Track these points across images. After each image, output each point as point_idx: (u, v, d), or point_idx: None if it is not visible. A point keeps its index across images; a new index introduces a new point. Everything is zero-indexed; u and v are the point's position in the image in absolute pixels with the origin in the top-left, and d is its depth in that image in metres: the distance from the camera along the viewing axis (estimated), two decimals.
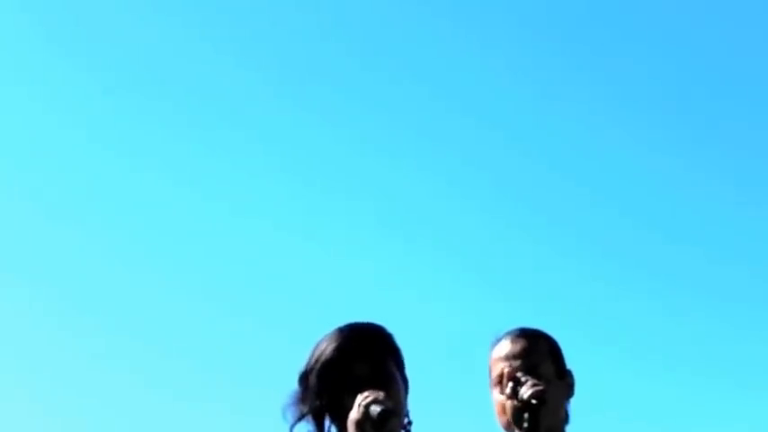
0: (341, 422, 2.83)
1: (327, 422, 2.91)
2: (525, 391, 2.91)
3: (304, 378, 2.92)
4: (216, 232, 9.37)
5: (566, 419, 3.17)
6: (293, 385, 2.94)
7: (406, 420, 2.90)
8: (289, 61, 9.29)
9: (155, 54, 9.25)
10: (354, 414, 2.72)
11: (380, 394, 2.74)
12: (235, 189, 9.38)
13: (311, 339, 2.98)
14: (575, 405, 3.19)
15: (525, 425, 2.89)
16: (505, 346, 3.16)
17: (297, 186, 9.35)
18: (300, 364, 2.94)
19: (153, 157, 9.31)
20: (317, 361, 2.90)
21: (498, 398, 3.07)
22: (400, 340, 2.99)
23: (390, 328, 2.99)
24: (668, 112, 9.49)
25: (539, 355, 3.13)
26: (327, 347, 2.90)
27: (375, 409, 2.71)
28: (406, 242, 9.24)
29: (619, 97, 9.42)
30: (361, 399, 2.73)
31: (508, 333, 3.20)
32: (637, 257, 9.13)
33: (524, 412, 2.90)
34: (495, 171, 9.36)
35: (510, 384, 2.96)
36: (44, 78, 9.20)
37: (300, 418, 2.91)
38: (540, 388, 2.91)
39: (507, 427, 3.07)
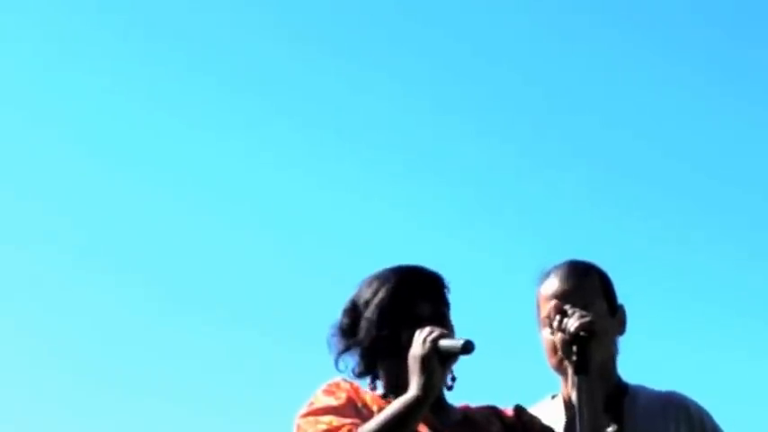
0: (392, 356, 2.83)
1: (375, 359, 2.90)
2: (573, 323, 2.82)
3: (352, 309, 2.91)
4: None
5: (615, 355, 3.11)
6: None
7: (450, 376, 2.90)
8: None
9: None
10: (419, 350, 2.67)
11: (444, 330, 2.72)
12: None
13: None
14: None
15: (574, 358, 2.79)
16: (554, 284, 3.05)
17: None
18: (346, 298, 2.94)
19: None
20: (375, 294, 2.88)
21: (548, 337, 2.99)
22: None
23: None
24: None
25: (590, 293, 3.04)
26: (389, 282, 2.88)
27: (453, 342, 2.68)
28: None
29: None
30: (426, 334, 2.69)
31: (557, 268, 3.09)
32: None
33: (573, 345, 2.80)
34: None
35: (558, 317, 2.87)
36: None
37: (346, 349, 2.91)
38: (587, 319, 2.82)
39: (558, 367, 3.02)
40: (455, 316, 2.92)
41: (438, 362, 2.67)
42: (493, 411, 2.98)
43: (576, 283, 3.03)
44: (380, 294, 2.87)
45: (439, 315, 2.85)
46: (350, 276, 3.03)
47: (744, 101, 9.22)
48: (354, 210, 9.23)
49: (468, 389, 2.98)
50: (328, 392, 2.83)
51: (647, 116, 9.28)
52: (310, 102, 9.17)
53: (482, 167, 9.24)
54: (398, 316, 2.84)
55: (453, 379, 2.90)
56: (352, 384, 2.88)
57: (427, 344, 2.67)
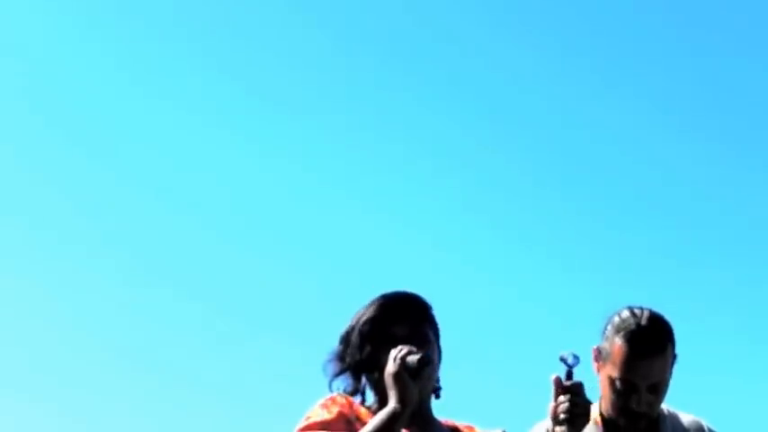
0: (377, 378, 3.09)
1: (363, 379, 3.17)
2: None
3: (346, 337, 3.18)
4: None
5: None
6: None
7: (437, 385, 3.16)
8: None
9: None
10: (391, 367, 2.95)
11: (413, 347, 2.98)
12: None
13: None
14: None
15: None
16: (638, 362, 3.33)
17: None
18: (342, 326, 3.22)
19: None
20: (359, 320, 3.17)
21: (611, 397, 3.38)
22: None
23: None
24: None
25: (667, 369, 3.36)
26: (370, 308, 3.17)
27: (412, 358, 2.94)
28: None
29: None
30: (396, 352, 2.97)
31: (641, 341, 3.33)
32: None
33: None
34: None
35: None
36: None
37: (339, 373, 3.18)
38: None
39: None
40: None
41: (410, 376, 2.95)
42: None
43: (658, 368, 3.34)
44: (362, 320, 3.16)
45: (417, 334, 3.10)
46: (370, 288, 3.30)
47: None
48: (374, 226, 9.61)
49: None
50: (324, 406, 3.09)
51: None
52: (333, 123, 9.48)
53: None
54: (376, 338, 3.12)
55: (438, 389, 3.17)
56: (347, 399, 3.14)
57: (397, 361, 2.96)
